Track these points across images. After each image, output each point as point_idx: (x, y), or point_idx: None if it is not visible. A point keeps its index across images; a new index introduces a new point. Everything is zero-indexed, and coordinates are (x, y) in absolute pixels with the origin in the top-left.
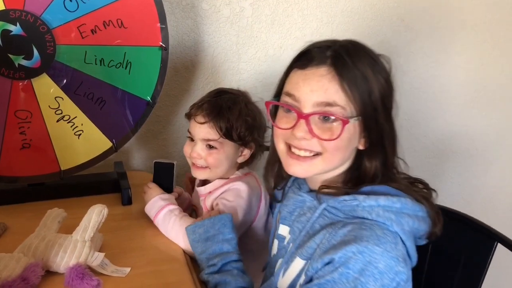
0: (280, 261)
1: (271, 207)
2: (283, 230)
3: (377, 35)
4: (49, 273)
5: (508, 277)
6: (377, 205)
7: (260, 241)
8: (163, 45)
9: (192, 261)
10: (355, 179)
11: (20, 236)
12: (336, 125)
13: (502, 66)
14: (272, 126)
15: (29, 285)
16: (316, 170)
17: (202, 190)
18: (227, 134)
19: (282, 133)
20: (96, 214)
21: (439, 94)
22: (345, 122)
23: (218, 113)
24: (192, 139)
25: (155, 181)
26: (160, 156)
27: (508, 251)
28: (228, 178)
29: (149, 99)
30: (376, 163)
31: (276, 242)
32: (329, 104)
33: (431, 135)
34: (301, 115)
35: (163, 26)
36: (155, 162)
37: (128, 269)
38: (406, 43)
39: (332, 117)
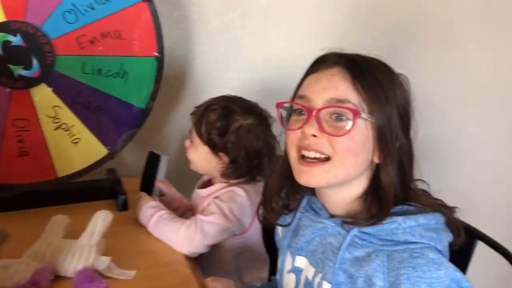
0: None
1: (267, 231)
2: (300, 262)
3: (357, 44)
4: (58, 277)
5: (486, 273)
6: (417, 224)
7: (257, 250)
8: (159, 55)
9: (194, 262)
10: (377, 201)
11: (21, 242)
12: (347, 122)
13: (470, 76)
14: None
15: None
16: (328, 177)
17: (204, 192)
18: (198, 132)
19: (293, 138)
20: (101, 219)
21: (415, 101)
22: (356, 113)
23: (201, 112)
24: None
25: (145, 171)
26: None
27: (488, 248)
28: (228, 183)
29: (144, 107)
30: (394, 178)
31: (292, 276)
32: (340, 101)
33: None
34: (311, 111)
35: (160, 55)
36: (150, 151)
37: (133, 272)
38: (384, 52)
39: (344, 116)
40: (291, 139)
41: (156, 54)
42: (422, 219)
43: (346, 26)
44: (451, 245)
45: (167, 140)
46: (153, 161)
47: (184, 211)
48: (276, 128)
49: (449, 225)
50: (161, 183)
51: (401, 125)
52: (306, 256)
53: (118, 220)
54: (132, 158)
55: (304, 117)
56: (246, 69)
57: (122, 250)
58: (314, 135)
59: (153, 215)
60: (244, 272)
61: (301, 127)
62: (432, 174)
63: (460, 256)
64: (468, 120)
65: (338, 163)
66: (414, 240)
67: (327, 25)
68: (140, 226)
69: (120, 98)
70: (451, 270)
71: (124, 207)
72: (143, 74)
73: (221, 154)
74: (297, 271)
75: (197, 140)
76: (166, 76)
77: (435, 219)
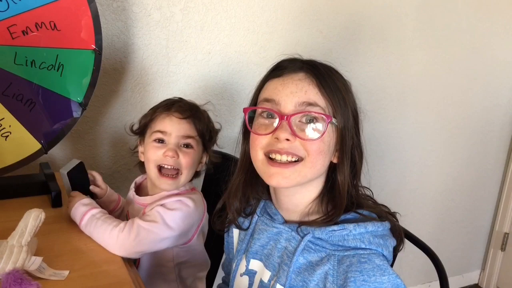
0: None
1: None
2: (255, 265)
3: (298, 44)
4: None
5: (409, 265)
6: (366, 231)
7: (200, 257)
8: (97, 48)
9: (131, 261)
10: (332, 201)
11: None
12: (318, 126)
13: (404, 76)
14: (243, 141)
15: None
16: (299, 177)
17: (148, 199)
18: (202, 133)
19: (261, 143)
20: (33, 218)
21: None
22: (328, 118)
23: (196, 111)
24: (160, 141)
25: (75, 187)
26: (86, 156)
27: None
28: (178, 191)
29: (81, 101)
30: (348, 176)
31: (245, 278)
32: (310, 104)
33: None
34: (283, 116)
35: (97, 49)
36: (67, 172)
37: (66, 272)
38: (324, 53)
39: (314, 118)
40: (258, 143)
41: (93, 47)
42: (370, 226)
43: (288, 25)
44: (394, 250)
45: (104, 134)
46: (76, 174)
47: (123, 213)
48: None
49: (392, 231)
50: (95, 188)
51: (354, 126)
52: (260, 260)
53: (51, 216)
54: (67, 152)
55: (273, 120)
56: (187, 64)
57: (55, 249)
58: (287, 139)
59: (85, 213)
60: (186, 279)
61: (272, 132)
62: (369, 170)
63: None
64: (402, 117)
65: (309, 164)
66: (363, 246)
67: (268, 23)
68: (74, 223)
69: (55, 91)
70: (393, 276)
71: (57, 203)
72: (79, 67)
73: (205, 152)
74: (251, 273)
75: (194, 142)
76: (104, 69)
77: (382, 226)
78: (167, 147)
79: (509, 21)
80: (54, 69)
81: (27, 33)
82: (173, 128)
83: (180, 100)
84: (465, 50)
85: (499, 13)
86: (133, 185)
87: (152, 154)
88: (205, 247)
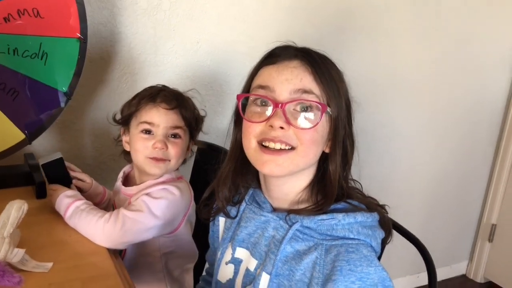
0: None
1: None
2: (241, 253)
3: (288, 34)
4: None
5: (398, 257)
6: (355, 221)
7: (187, 247)
8: (81, 37)
9: (116, 253)
10: (323, 190)
11: None
12: (313, 115)
13: (394, 67)
14: (234, 129)
15: None
16: (291, 165)
17: (133, 189)
18: (189, 122)
19: (254, 130)
20: (15, 210)
21: None
22: (324, 107)
23: (182, 101)
24: (147, 132)
25: (51, 182)
26: (72, 147)
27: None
28: (163, 181)
29: (65, 90)
30: (339, 166)
31: (231, 267)
32: (306, 92)
33: None
34: (277, 104)
35: (82, 37)
36: (41, 164)
37: (50, 264)
38: (314, 43)
39: (309, 107)
40: (251, 131)
41: (78, 35)
42: (360, 217)
43: (277, 15)
44: (382, 242)
45: (90, 124)
46: (53, 167)
47: (109, 205)
48: None
49: (381, 223)
50: (78, 183)
51: (347, 116)
52: (247, 248)
53: (35, 208)
54: (52, 143)
55: (266, 108)
56: (176, 53)
57: (38, 241)
58: (281, 127)
59: (69, 205)
60: (173, 271)
61: (266, 120)
62: (356, 160)
63: None
64: (391, 109)
65: (302, 153)
66: (351, 236)
67: (257, 12)
68: (58, 214)
69: (39, 80)
70: (380, 268)
71: (41, 194)
72: (64, 55)
73: (192, 140)
74: (236, 262)
75: (181, 132)
76: (90, 58)
77: (371, 217)
78: (156, 138)
79: (499, 12)
80: (38, 58)
81: (9, 20)
82: (161, 119)
83: (164, 88)
84: (455, 41)
85: (489, 4)
86: (121, 174)
87: (141, 146)
88: (193, 238)
